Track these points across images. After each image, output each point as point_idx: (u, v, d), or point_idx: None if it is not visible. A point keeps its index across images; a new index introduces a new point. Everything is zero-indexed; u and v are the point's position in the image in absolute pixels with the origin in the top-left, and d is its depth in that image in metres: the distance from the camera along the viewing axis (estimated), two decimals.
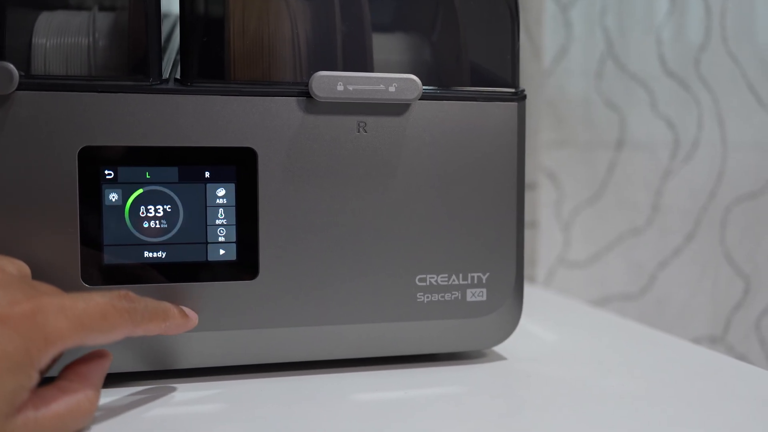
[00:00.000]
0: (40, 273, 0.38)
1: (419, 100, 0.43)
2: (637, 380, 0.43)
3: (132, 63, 0.40)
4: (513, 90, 0.45)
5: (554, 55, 0.86)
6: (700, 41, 0.92)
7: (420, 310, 0.43)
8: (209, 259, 0.41)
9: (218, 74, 0.41)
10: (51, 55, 0.41)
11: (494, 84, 0.45)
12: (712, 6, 0.92)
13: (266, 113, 0.41)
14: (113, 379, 0.40)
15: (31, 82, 0.38)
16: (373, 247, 0.42)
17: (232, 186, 0.41)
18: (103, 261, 0.39)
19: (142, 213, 0.40)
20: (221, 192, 0.41)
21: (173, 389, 0.40)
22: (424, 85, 0.42)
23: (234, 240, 0.41)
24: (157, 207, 0.40)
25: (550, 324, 0.58)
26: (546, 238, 0.88)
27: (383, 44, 0.45)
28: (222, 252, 0.41)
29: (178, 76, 0.41)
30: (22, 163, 0.38)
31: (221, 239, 0.41)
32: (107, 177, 0.39)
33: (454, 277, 0.44)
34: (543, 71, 0.86)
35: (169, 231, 0.40)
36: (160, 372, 0.41)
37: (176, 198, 0.40)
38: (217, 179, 0.40)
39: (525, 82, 0.46)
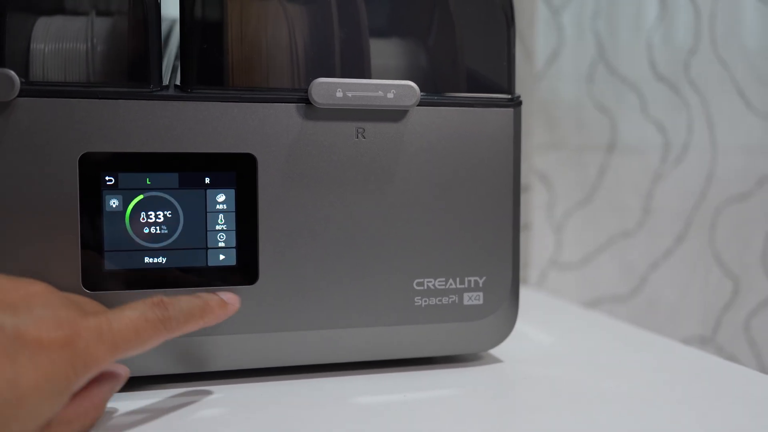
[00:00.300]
0: (41, 279, 0.38)
1: (417, 106, 0.43)
2: (632, 381, 0.44)
3: (132, 69, 0.41)
4: (509, 96, 0.45)
5: (546, 59, 0.87)
6: (690, 45, 0.93)
7: (418, 313, 0.44)
8: (209, 264, 0.41)
9: (218, 81, 0.41)
10: (49, 61, 0.41)
11: (490, 90, 0.45)
12: (701, 10, 0.93)
13: (266, 119, 0.41)
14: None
15: (32, 88, 0.38)
16: (371, 252, 0.43)
17: (232, 192, 0.41)
18: (104, 267, 0.40)
19: (143, 219, 0.40)
20: (221, 198, 0.41)
21: (174, 393, 0.40)
22: (421, 91, 0.43)
23: (234, 245, 0.41)
24: (158, 213, 0.40)
25: (545, 326, 0.59)
26: (538, 240, 0.88)
27: (380, 51, 0.45)
28: (222, 257, 0.41)
29: (177, 82, 0.42)
30: (23, 169, 0.38)
31: (221, 244, 0.41)
32: (108, 183, 0.39)
33: (451, 281, 0.44)
34: (535, 75, 0.87)
35: (170, 236, 0.40)
36: (160, 377, 0.41)
37: (176, 204, 0.40)
38: (217, 185, 0.41)
39: (517, 85, 0.46)
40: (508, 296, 0.46)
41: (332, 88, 0.41)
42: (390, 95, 0.42)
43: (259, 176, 0.41)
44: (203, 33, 0.41)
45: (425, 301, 0.44)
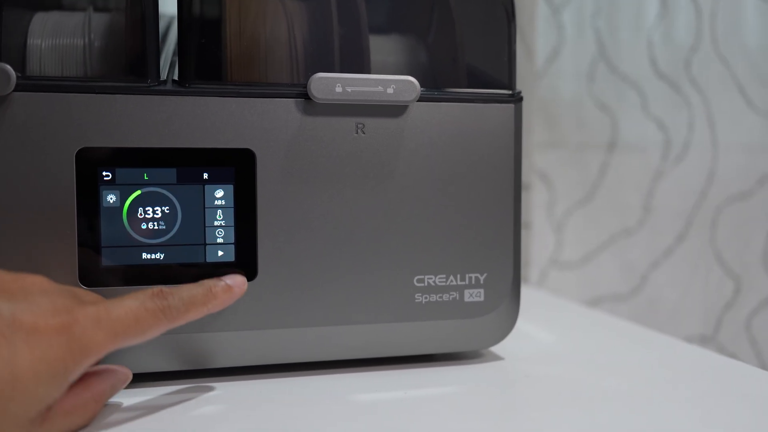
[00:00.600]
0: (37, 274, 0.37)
1: (417, 101, 0.43)
2: (634, 379, 0.43)
3: (130, 64, 0.40)
4: (510, 92, 0.45)
5: (546, 57, 0.87)
6: (691, 43, 0.92)
7: (418, 310, 0.44)
8: (207, 260, 0.41)
9: (216, 76, 0.41)
10: (46, 56, 0.41)
11: (491, 86, 0.45)
12: (702, 8, 0.92)
13: (264, 115, 0.41)
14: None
15: (29, 83, 0.38)
16: (371, 248, 0.43)
17: (231, 187, 0.41)
18: (101, 263, 0.39)
19: (140, 214, 0.40)
20: (219, 193, 0.41)
21: (173, 390, 0.40)
22: (421, 86, 0.43)
23: (232, 241, 0.41)
24: (155, 208, 0.40)
25: (545, 324, 0.58)
26: (538, 239, 0.88)
27: (380, 46, 0.45)
28: (220, 253, 0.41)
29: (175, 77, 0.41)
30: (19, 164, 0.38)
31: (219, 240, 0.41)
32: (105, 178, 0.39)
33: (452, 277, 0.44)
34: (535, 73, 0.86)
35: (168, 232, 0.40)
36: (158, 374, 0.41)
37: (174, 199, 0.40)
38: (216, 180, 0.40)
39: (517, 83, 0.46)
40: (509, 293, 0.45)
41: (332, 83, 0.41)
42: (390, 90, 0.42)
43: (258, 172, 0.41)
44: (201, 27, 0.41)
45: (426, 297, 0.44)
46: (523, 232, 0.86)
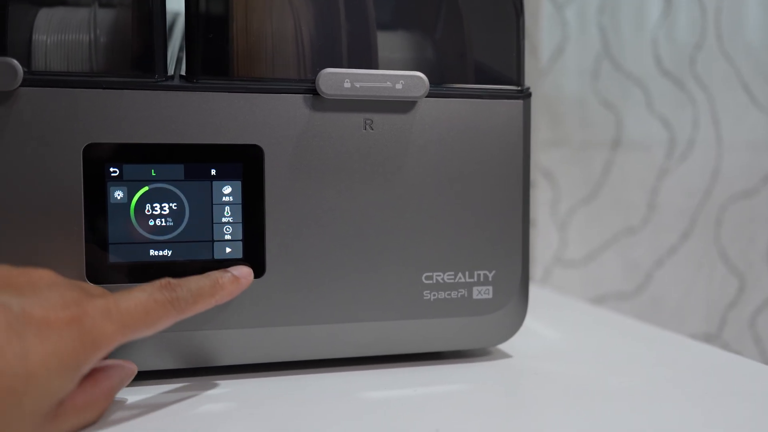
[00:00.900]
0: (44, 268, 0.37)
1: (425, 97, 0.42)
2: (642, 377, 0.43)
3: (137, 60, 0.40)
4: (518, 88, 0.45)
5: (550, 54, 0.86)
6: (695, 41, 0.92)
7: (427, 308, 0.43)
8: (215, 257, 0.40)
9: (224, 71, 0.41)
10: (52, 52, 0.40)
11: (499, 81, 0.45)
12: (706, 5, 0.92)
13: (272, 110, 0.40)
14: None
15: (35, 78, 0.38)
16: (379, 245, 0.42)
17: (239, 183, 0.40)
18: (109, 259, 0.39)
19: (148, 211, 0.39)
20: (227, 190, 0.40)
21: (181, 388, 0.40)
22: (429, 82, 0.42)
23: (240, 238, 0.41)
24: (163, 205, 0.40)
25: (552, 322, 0.58)
26: (542, 237, 0.88)
27: (388, 41, 0.45)
28: (228, 250, 0.40)
29: (182, 72, 0.41)
30: (26, 160, 0.37)
31: (227, 237, 0.40)
32: (112, 175, 0.39)
33: (460, 275, 0.44)
34: (539, 70, 0.86)
35: (175, 229, 0.40)
36: (167, 371, 0.41)
37: (182, 196, 0.40)
38: (224, 177, 0.40)
39: None
40: (518, 290, 0.45)
41: (340, 79, 0.41)
42: (398, 86, 0.42)
43: (266, 168, 0.40)
44: (209, 23, 0.41)
45: (434, 295, 0.43)
46: None
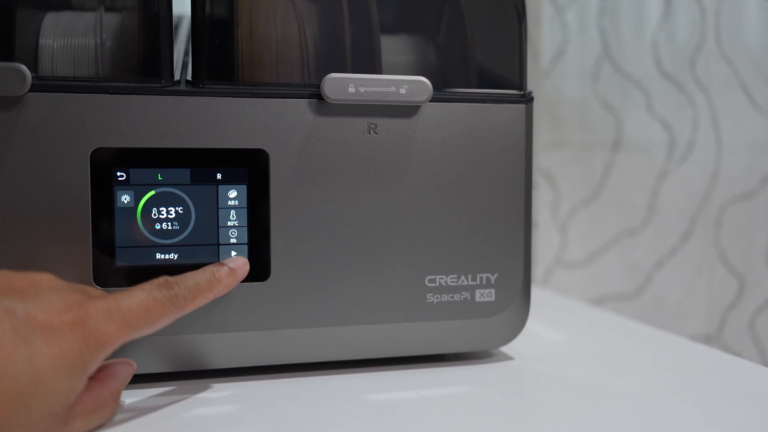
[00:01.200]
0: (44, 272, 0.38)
1: (429, 102, 0.43)
2: (642, 379, 0.44)
3: (144, 65, 0.40)
4: (521, 92, 0.45)
5: (551, 57, 0.87)
6: (695, 43, 0.93)
7: (430, 310, 0.44)
8: (221, 260, 0.41)
9: (230, 76, 0.41)
10: (58, 57, 0.41)
11: (502, 86, 0.45)
12: (706, 8, 0.93)
13: (278, 115, 0.41)
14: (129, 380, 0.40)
15: (44, 83, 0.38)
16: (383, 248, 0.43)
17: (244, 188, 0.41)
18: (115, 263, 0.39)
19: (154, 215, 0.40)
20: (233, 194, 0.41)
21: (187, 390, 0.40)
22: (433, 87, 0.43)
23: (246, 242, 0.41)
24: (169, 209, 0.40)
25: (553, 324, 0.59)
26: (543, 239, 0.88)
27: (392, 46, 0.45)
28: (233, 253, 0.41)
29: (188, 77, 0.41)
30: (34, 165, 0.38)
31: (233, 241, 0.41)
32: (119, 179, 0.39)
33: (463, 277, 0.44)
34: (540, 72, 0.87)
35: (181, 233, 0.40)
36: (173, 374, 0.41)
37: (188, 200, 0.40)
38: (229, 181, 0.41)
39: None
40: (520, 293, 0.45)
41: (344, 84, 0.41)
42: (402, 91, 0.42)
43: (271, 172, 0.41)
44: (215, 28, 0.41)
45: (437, 297, 0.44)
46: None
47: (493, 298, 0.45)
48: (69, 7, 0.44)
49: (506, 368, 0.45)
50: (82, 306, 0.32)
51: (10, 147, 0.38)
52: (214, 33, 0.41)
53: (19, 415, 0.29)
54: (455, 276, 0.44)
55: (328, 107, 0.42)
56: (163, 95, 0.39)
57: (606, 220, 0.90)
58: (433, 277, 0.44)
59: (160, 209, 0.40)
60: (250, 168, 0.41)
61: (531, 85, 0.84)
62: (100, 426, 0.34)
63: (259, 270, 0.41)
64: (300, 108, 0.41)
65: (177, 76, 0.41)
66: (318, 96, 0.41)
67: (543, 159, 0.87)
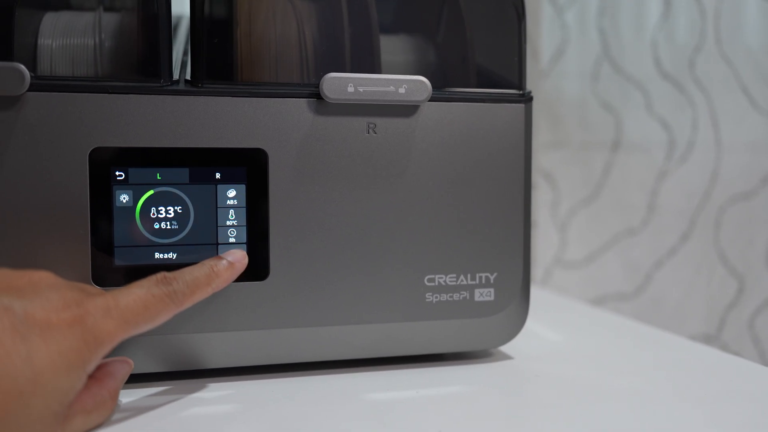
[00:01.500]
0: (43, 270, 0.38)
1: (428, 101, 0.43)
2: (642, 378, 0.44)
3: (143, 64, 0.40)
4: (520, 91, 0.45)
5: (550, 57, 0.87)
6: (695, 43, 0.93)
7: (429, 310, 0.44)
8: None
9: (229, 75, 0.41)
10: (57, 56, 0.41)
11: (501, 85, 0.45)
12: (706, 8, 0.93)
13: (276, 114, 0.41)
14: (127, 380, 0.39)
15: (42, 83, 0.38)
16: (382, 248, 0.43)
17: (243, 187, 0.41)
18: (114, 262, 0.39)
19: (153, 214, 0.40)
20: (232, 193, 0.41)
21: (186, 390, 0.40)
22: (432, 86, 0.43)
23: (245, 241, 0.41)
24: (168, 208, 0.40)
25: (553, 323, 0.58)
26: (542, 239, 0.88)
27: (391, 46, 0.45)
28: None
29: (187, 77, 0.41)
30: (33, 164, 0.38)
31: (232, 240, 0.41)
32: (118, 178, 0.39)
33: (462, 277, 0.44)
34: (539, 72, 0.87)
35: (180, 232, 0.40)
36: (172, 373, 0.41)
37: (187, 199, 0.40)
38: (228, 180, 0.41)
39: None
40: (519, 292, 0.45)
41: (344, 83, 0.41)
42: (401, 90, 0.42)
43: (270, 171, 0.41)
44: (214, 27, 0.41)
45: (436, 297, 0.44)
46: None
47: (492, 298, 0.45)
48: (68, 6, 0.44)
49: (505, 368, 0.45)
50: (80, 304, 0.32)
51: (8, 146, 0.38)
52: (213, 32, 0.41)
53: (18, 414, 0.29)
54: (454, 275, 0.44)
55: (327, 107, 0.42)
56: (162, 95, 0.39)
57: (605, 220, 0.90)
58: (433, 276, 0.44)
59: (159, 209, 0.40)
60: (249, 167, 0.41)
61: (531, 84, 0.85)
62: (100, 425, 0.34)
63: (258, 269, 0.41)
64: (299, 107, 0.41)
65: (176, 76, 0.41)
66: (317, 95, 0.41)
67: (543, 159, 0.87)
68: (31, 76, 0.37)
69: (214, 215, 0.41)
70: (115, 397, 0.35)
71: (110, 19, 0.42)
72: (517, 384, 0.43)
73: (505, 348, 0.49)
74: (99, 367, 0.35)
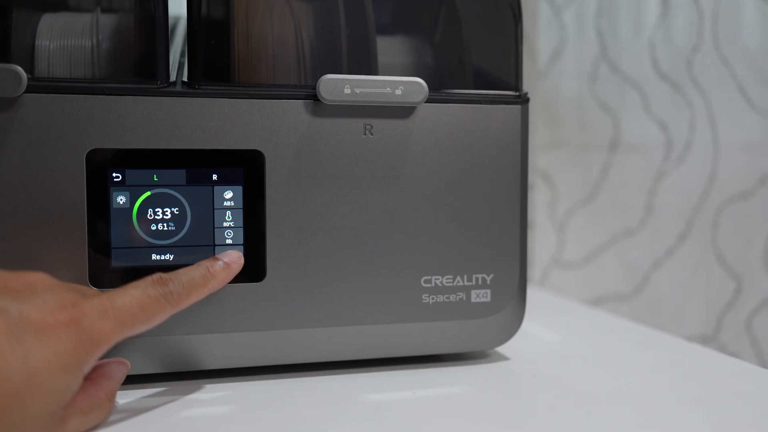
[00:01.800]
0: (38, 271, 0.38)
1: (424, 103, 0.43)
2: (640, 379, 0.44)
3: (140, 66, 0.40)
4: (516, 93, 0.45)
5: (548, 57, 0.87)
6: (692, 43, 0.93)
7: (425, 311, 0.44)
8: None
9: (225, 77, 0.41)
10: (54, 58, 0.41)
11: (498, 87, 0.45)
12: (703, 9, 0.93)
13: (273, 116, 0.41)
14: (124, 381, 0.40)
15: (39, 84, 0.38)
16: (379, 249, 0.43)
17: (240, 188, 0.41)
18: (111, 264, 0.39)
19: (150, 216, 0.40)
20: (228, 194, 0.41)
21: (183, 391, 0.40)
22: (428, 88, 0.43)
23: (241, 242, 0.41)
24: (165, 210, 0.40)
25: (550, 324, 0.59)
26: (540, 239, 0.88)
27: (387, 47, 0.45)
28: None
29: (184, 78, 0.41)
30: (30, 166, 0.38)
31: (229, 241, 0.41)
32: (115, 180, 0.39)
33: (458, 278, 0.44)
34: (537, 73, 0.87)
35: (177, 233, 0.40)
36: (169, 374, 0.41)
37: (184, 201, 0.40)
38: (225, 182, 0.41)
39: None
40: (516, 294, 0.45)
41: (340, 85, 0.41)
42: (398, 92, 0.42)
43: (267, 173, 0.41)
44: (211, 29, 0.41)
45: (433, 298, 0.44)
46: None
47: (488, 299, 0.45)
48: (65, 8, 0.44)
49: (502, 368, 0.45)
50: (76, 305, 0.32)
51: (5, 148, 0.38)
52: (210, 34, 0.41)
53: (14, 415, 0.29)
54: (451, 276, 0.44)
55: (324, 108, 0.42)
56: (159, 96, 0.39)
57: (603, 220, 0.90)
58: (429, 277, 0.44)
59: (156, 210, 0.40)
60: (246, 169, 0.41)
61: (528, 85, 0.85)
62: (96, 426, 0.34)
63: (255, 271, 0.41)
64: (296, 109, 0.41)
65: (173, 77, 0.41)
66: (314, 97, 0.41)
67: (540, 159, 0.87)
68: (28, 78, 0.38)
69: (211, 217, 0.41)
70: (111, 398, 0.35)
71: (108, 21, 0.42)
72: (514, 385, 0.43)
73: (501, 349, 0.49)
74: (95, 368, 0.35)
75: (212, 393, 0.40)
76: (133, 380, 0.40)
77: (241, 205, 0.41)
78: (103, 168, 0.39)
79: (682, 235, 0.94)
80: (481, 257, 0.44)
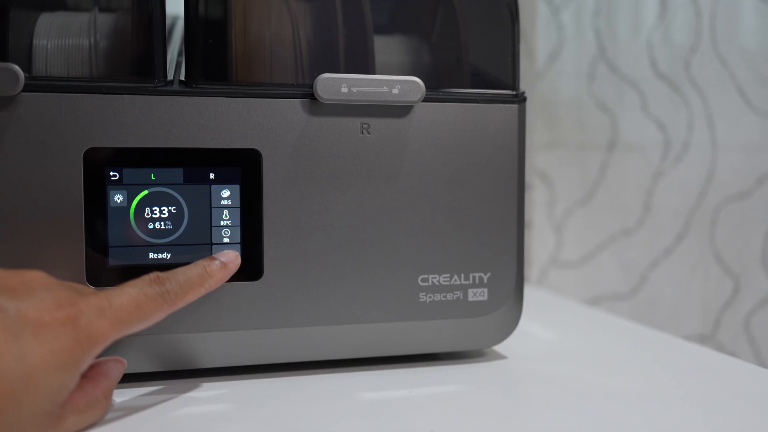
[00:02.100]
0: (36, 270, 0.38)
1: (421, 102, 0.43)
2: (637, 378, 0.44)
3: (137, 65, 0.40)
4: (513, 92, 0.45)
5: (546, 57, 0.87)
6: (690, 44, 0.93)
7: (422, 309, 0.44)
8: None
9: (222, 76, 0.41)
10: (52, 57, 0.41)
11: (495, 86, 0.45)
12: (701, 9, 0.93)
13: (270, 115, 0.41)
14: (121, 379, 0.40)
15: (36, 83, 0.38)
16: (376, 248, 0.43)
17: (237, 187, 0.41)
18: (108, 262, 0.39)
19: (147, 214, 0.40)
20: (226, 193, 0.41)
21: (179, 389, 0.40)
22: (425, 87, 0.43)
23: (238, 241, 0.41)
24: (162, 208, 0.40)
25: (547, 323, 0.59)
26: (538, 239, 0.88)
27: (385, 46, 0.45)
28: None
29: (182, 77, 0.41)
30: (27, 164, 0.38)
31: (226, 240, 0.41)
32: (112, 178, 0.39)
33: (455, 277, 0.44)
34: (535, 73, 0.87)
35: (174, 232, 0.40)
36: (166, 373, 0.41)
37: (181, 199, 0.40)
38: (222, 181, 0.41)
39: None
40: (513, 292, 0.46)
41: (337, 84, 0.41)
42: (395, 91, 0.42)
43: (264, 172, 0.41)
44: (208, 28, 0.41)
45: (430, 297, 0.44)
46: None
47: (485, 298, 0.45)
48: (63, 7, 0.44)
49: (499, 367, 0.46)
50: (73, 303, 0.32)
51: (3, 147, 0.38)
52: (208, 33, 0.41)
53: (10, 413, 0.29)
54: (448, 275, 0.44)
55: (321, 107, 0.42)
56: (157, 95, 0.39)
57: (601, 220, 0.91)
58: (426, 276, 0.44)
59: (153, 209, 0.40)
60: (243, 168, 0.41)
61: (526, 85, 0.85)
62: (93, 424, 0.34)
63: (252, 269, 0.41)
64: (293, 108, 0.41)
65: (170, 76, 0.41)
66: (311, 96, 0.41)
67: (538, 159, 0.87)
68: (25, 77, 0.38)
69: (208, 215, 0.41)
70: (108, 396, 0.35)
71: (105, 20, 0.42)
72: (511, 383, 0.43)
73: (498, 348, 0.49)
74: (92, 367, 0.35)
75: (209, 391, 0.40)
76: (130, 378, 0.40)
77: (238, 204, 0.41)
78: (100, 167, 0.39)
79: (680, 234, 0.94)
80: (478, 256, 0.45)
